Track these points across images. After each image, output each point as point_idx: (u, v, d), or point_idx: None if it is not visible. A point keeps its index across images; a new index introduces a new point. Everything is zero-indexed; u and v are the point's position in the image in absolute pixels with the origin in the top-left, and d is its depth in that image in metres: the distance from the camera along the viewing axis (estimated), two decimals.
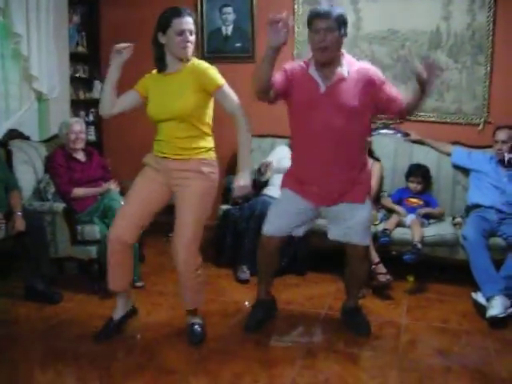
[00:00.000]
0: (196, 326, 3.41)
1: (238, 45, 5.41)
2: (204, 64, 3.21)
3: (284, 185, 3.48)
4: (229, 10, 5.38)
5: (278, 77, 3.17)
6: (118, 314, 3.48)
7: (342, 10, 3.18)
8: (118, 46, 3.23)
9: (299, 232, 3.51)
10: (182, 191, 3.21)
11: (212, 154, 3.29)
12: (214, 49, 5.44)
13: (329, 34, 3.06)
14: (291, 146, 3.58)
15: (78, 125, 4.45)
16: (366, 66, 3.28)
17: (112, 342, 3.35)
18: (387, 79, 3.27)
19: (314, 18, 3.09)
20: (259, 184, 4.74)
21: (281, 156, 4.74)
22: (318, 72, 3.20)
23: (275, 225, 3.44)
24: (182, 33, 3.07)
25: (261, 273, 3.70)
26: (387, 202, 4.64)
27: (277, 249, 3.52)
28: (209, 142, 3.29)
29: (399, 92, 3.24)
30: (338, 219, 3.36)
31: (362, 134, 3.31)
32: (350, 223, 3.32)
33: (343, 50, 3.23)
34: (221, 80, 3.16)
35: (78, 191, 4.25)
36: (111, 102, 3.29)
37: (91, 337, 3.39)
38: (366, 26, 5.06)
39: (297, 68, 3.26)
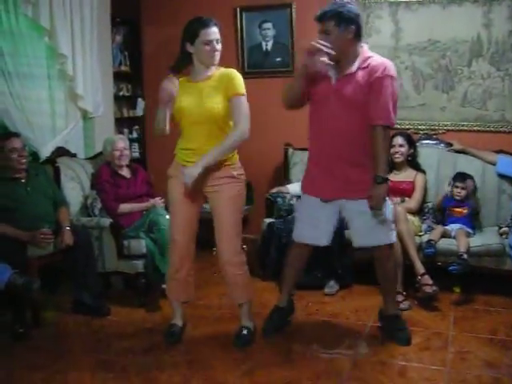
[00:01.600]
0: (244, 331, 3.52)
1: (278, 60, 5.45)
2: (233, 71, 3.35)
3: (302, 189, 3.56)
4: (268, 25, 5.43)
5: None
6: (179, 321, 3.64)
7: (340, 6, 3.15)
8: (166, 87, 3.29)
9: (325, 242, 3.51)
10: (218, 196, 3.38)
11: (237, 157, 3.45)
12: (255, 64, 5.49)
13: (326, 36, 3.11)
14: (309, 144, 3.54)
15: (121, 142, 4.54)
16: (380, 61, 3.21)
17: (159, 355, 3.39)
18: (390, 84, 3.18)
19: (315, 20, 3.18)
20: None
21: None
22: (333, 65, 3.21)
23: (301, 230, 3.53)
24: (209, 43, 3.21)
25: (285, 278, 3.77)
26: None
27: (303, 255, 3.62)
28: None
29: (387, 104, 3.15)
30: (359, 220, 3.35)
31: (366, 128, 3.23)
32: (370, 224, 3.31)
33: (363, 44, 3.24)
34: (242, 89, 3.27)
35: (124, 207, 4.34)
36: (167, 126, 3.38)
37: (164, 338, 3.56)
38: (405, 37, 5.04)
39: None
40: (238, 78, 3.30)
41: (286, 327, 3.75)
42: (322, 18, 3.14)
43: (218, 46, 3.26)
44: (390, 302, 3.61)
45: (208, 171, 3.29)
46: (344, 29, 3.13)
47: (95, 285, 4.05)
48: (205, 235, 3.65)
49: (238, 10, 5.46)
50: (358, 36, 3.20)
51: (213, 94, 3.27)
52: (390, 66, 3.20)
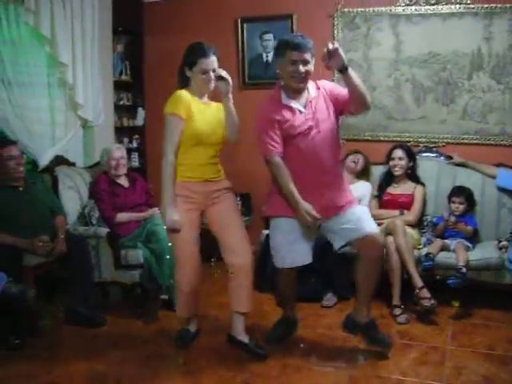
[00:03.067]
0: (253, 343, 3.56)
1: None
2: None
3: (273, 213, 3.53)
4: (269, 36, 5.44)
5: (277, 140, 3.31)
6: (193, 327, 3.73)
7: (308, 39, 3.26)
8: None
9: (308, 260, 3.50)
10: (221, 205, 3.50)
11: None
12: (255, 75, 5.49)
13: (306, 65, 3.21)
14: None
15: (118, 151, 4.53)
16: (321, 82, 3.42)
17: (154, 366, 3.37)
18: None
19: (292, 49, 3.18)
20: None
21: None
22: (290, 100, 3.30)
23: (285, 258, 3.50)
24: (206, 72, 3.32)
25: (282, 297, 3.86)
26: (439, 227, 4.56)
27: (292, 276, 3.63)
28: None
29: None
30: (344, 225, 3.35)
31: (337, 142, 3.47)
32: (354, 219, 3.34)
33: None
34: None
35: (122, 216, 4.33)
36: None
37: (174, 341, 3.64)
38: (406, 49, 5.04)
39: (275, 108, 3.31)
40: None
41: (287, 339, 3.74)
42: (305, 48, 3.19)
43: (214, 75, 3.35)
44: (365, 307, 3.50)
45: (211, 184, 3.45)
46: (313, 61, 3.26)
47: (91, 295, 4.03)
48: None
49: (240, 21, 5.47)
50: None
51: (220, 117, 3.47)
52: None
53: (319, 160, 3.30)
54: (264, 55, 5.49)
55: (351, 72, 3.14)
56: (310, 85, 3.34)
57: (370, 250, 3.34)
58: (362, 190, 4.69)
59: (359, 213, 3.40)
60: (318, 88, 3.37)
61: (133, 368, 3.35)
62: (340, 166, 3.61)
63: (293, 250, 3.45)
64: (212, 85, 3.37)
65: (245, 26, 5.48)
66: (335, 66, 3.13)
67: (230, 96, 3.41)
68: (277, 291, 3.86)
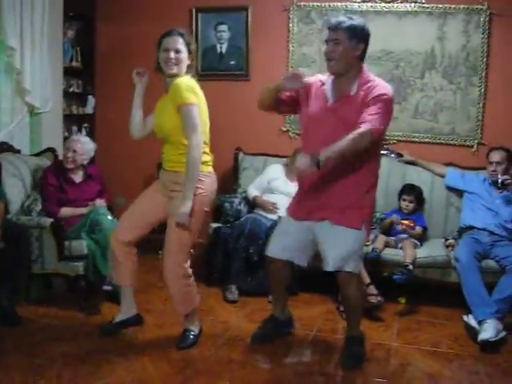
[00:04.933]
0: (188, 333, 3.52)
1: (233, 63, 5.39)
2: (181, 80, 3.26)
3: (286, 211, 3.53)
4: (224, 27, 5.37)
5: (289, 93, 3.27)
6: (119, 317, 3.61)
7: (356, 21, 3.12)
8: (139, 69, 3.44)
9: (302, 261, 3.47)
10: (172, 204, 3.33)
11: (203, 168, 3.30)
12: (209, 66, 5.41)
13: (336, 45, 3.07)
14: None
15: (71, 143, 4.40)
16: (381, 83, 3.13)
17: (96, 360, 3.28)
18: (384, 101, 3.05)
19: (325, 28, 3.16)
20: (252, 203, 4.73)
21: (272, 177, 4.74)
22: (332, 85, 3.20)
23: (273, 245, 3.48)
24: (166, 50, 3.25)
25: (270, 292, 3.81)
26: (385, 223, 4.58)
27: (279, 270, 3.52)
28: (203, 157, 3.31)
29: (377, 114, 3.00)
30: (332, 244, 3.22)
31: (368, 155, 3.13)
32: (344, 249, 3.18)
33: (364, 65, 3.18)
34: (187, 99, 3.19)
35: (66, 212, 4.21)
36: (139, 125, 3.51)
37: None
38: None
39: (314, 82, 3.27)
40: (183, 86, 3.22)
41: (277, 339, 3.65)
42: (336, 27, 3.07)
43: (177, 55, 3.26)
44: (351, 324, 3.46)
45: (167, 174, 3.39)
46: (355, 44, 3.08)
47: (22, 289, 3.92)
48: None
49: (194, 10, 5.39)
50: (363, 55, 3.16)
51: (165, 108, 3.33)
52: (388, 88, 3.11)
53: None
54: (218, 46, 5.41)
55: (329, 161, 2.95)
56: (360, 79, 3.11)
57: (340, 283, 3.31)
58: None
59: (353, 245, 3.21)
60: (365, 89, 3.08)
61: (75, 362, 3.25)
62: (366, 184, 3.24)
63: (280, 238, 3.43)
64: (172, 66, 3.26)
65: (199, 16, 5.39)
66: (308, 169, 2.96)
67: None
68: (269, 283, 3.74)
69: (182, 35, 3.29)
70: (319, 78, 3.30)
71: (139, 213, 3.47)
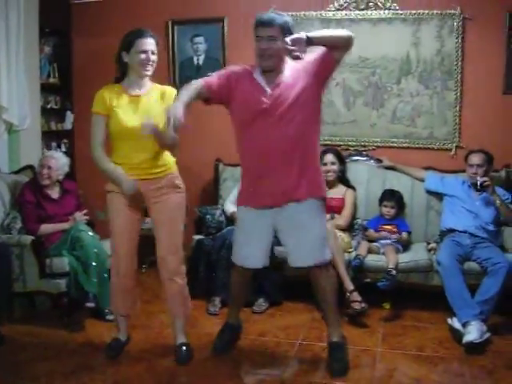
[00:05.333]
0: (183, 348, 3.49)
1: (210, 74, 5.37)
2: (173, 90, 3.42)
3: (238, 203, 3.48)
4: (200, 39, 5.38)
5: (217, 80, 3.24)
6: (123, 336, 3.62)
7: (286, 17, 3.16)
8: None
9: (262, 262, 3.44)
10: (161, 207, 3.38)
11: (176, 167, 3.46)
12: (186, 78, 5.33)
13: (271, 42, 3.08)
14: (240, 158, 3.41)
15: (48, 159, 4.35)
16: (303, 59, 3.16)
17: (79, 378, 3.24)
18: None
19: (258, 25, 3.12)
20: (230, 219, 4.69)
21: None
22: (262, 77, 3.21)
23: (240, 254, 3.44)
24: (143, 52, 3.24)
25: (232, 298, 3.73)
26: (371, 233, 4.60)
27: (245, 278, 3.54)
28: (171, 156, 3.42)
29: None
30: (293, 231, 3.24)
31: (309, 126, 3.24)
32: (308, 243, 3.22)
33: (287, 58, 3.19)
34: None
35: (46, 228, 4.16)
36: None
37: (105, 352, 3.52)
38: None
39: (241, 72, 3.28)
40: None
41: (235, 344, 3.69)
42: (270, 24, 3.08)
43: (153, 57, 3.29)
44: (332, 327, 3.44)
45: (149, 182, 3.32)
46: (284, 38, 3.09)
47: (3, 306, 3.86)
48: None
49: (170, 23, 5.40)
50: None
51: (156, 108, 3.29)
52: None
53: (277, 145, 3.15)
54: (195, 58, 5.42)
55: (317, 34, 3.10)
56: (287, 67, 3.20)
57: (312, 277, 3.34)
58: None
59: (314, 233, 3.25)
60: (293, 67, 3.19)
61: (59, 381, 3.22)
62: (312, 154, 3.30)
63: (246, 247, 3.39)
64: (150, 67, 3.29)
65: (176, 28, 5.40)
66: (302, 50, 3.04)
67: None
68: (230, 290, 3.72)
69: (153, 36, 3.32)
70: (244, 68, 3.29)
71: (128, 240, 3.43)
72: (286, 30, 3.10)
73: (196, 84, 3.20)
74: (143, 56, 3.24)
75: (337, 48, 3.16)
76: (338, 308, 3.48)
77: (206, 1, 5.35)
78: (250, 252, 3.39)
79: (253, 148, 3.24)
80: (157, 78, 3.45)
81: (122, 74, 3.39)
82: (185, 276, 3.51)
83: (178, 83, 5.34)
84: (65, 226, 4.20)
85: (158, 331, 3.75)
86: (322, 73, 3.22)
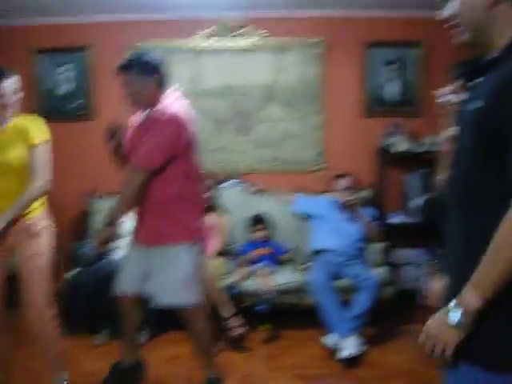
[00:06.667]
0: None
1: (76, 103, 5.27)
2: (31, 119, 3.20)
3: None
4: (65, 68, 5.24)
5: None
6: None
7: (144, 57, 3.08)
8: None
9: (129, 289, 3.28)
10: (19, 254, 3.13)
11: (41, 209, 3.21)
12: (51, 108, 5.20)
13: (131, 85, 3.06)
14: None
15: None
16: (165, 107, 3.06)
17: None
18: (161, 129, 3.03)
19: (118, 72, 3.08)
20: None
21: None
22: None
23: (121, 282, 3.28)
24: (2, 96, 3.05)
25: (123, 335, 3.45)
26: (245, 258, 4.69)
27: (130, 307, 3.31)
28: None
29: (151, 149, 3.02)
30: (162, 277, 3.10)
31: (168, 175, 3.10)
32: (167, 280, 3.08)
33: (168, 90, 3.15)
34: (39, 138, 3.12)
35: None
36: None
37: None
38: (205, 81, 5.17)
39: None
40: (36, 126, 3.15)
41: None
42: (126, 69, 3.04)
43: (12, 99, 3.09)
44: (205, 364, 3.29)
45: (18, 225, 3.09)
46: (147, 78, 3.05)
47: None
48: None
49: (34, 51, 5.20)
50: (161, 84, 3.12)
51: (10, 145, 3.08)
52: (170, 111, 3.03)
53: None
54: (60, 88, 5.27)
55: None
56: (160, 105, 3.08)
57: (183, 315, 3.21)
58: None
59: (177, 273, 3.09)
60: (160, 110, 3.05)
61: None
62: (174, 198, 3.12)
63: (126, 272, 3.27)
64: (9, 111, 3.10)
65: (39, 57, 5.21)
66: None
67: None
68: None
69: (10, 76, 3.09)
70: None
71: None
72: (145, 70, 3.04)
73: None
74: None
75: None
76: (208, 345, 3.32)
77: (71, 29, 5.20)
78: (129, 279, 3.26)
79: None
80: (22, 108, 3.25)
81: None
82: (49, 320, 3.19)
83: (44, 114, 5.16)
84: None
85: (35, 373, 3.53)
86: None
